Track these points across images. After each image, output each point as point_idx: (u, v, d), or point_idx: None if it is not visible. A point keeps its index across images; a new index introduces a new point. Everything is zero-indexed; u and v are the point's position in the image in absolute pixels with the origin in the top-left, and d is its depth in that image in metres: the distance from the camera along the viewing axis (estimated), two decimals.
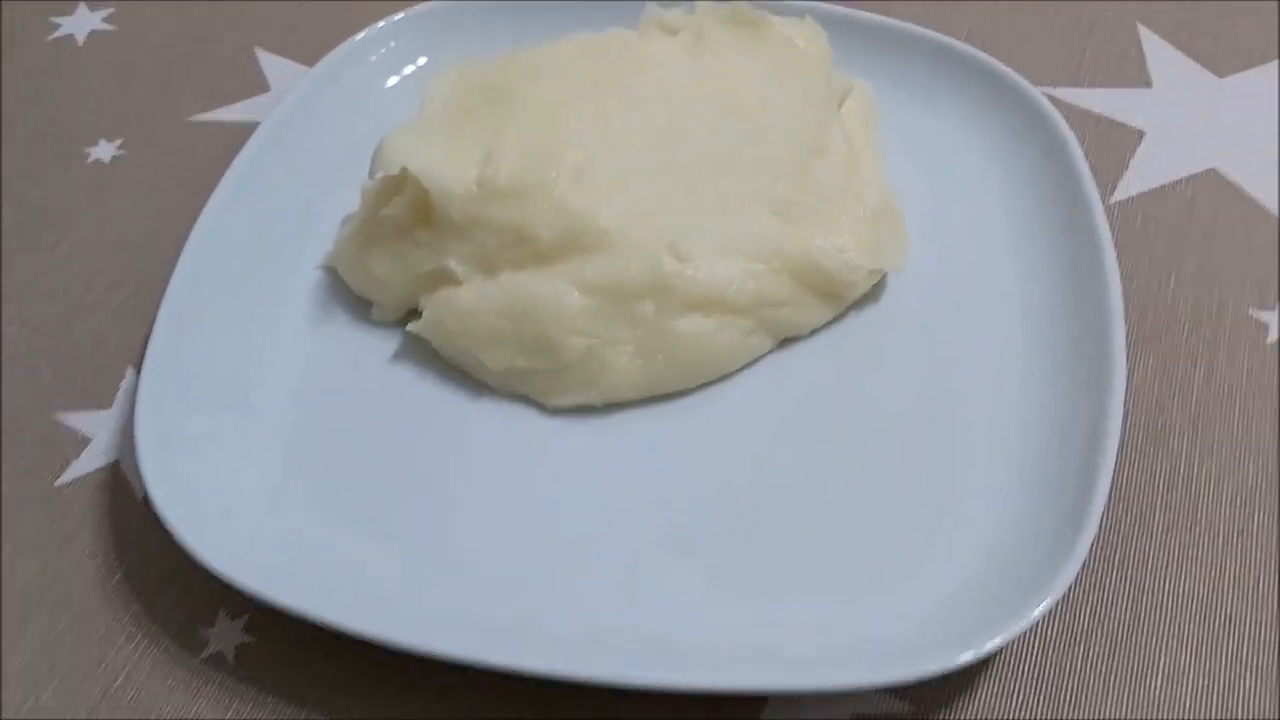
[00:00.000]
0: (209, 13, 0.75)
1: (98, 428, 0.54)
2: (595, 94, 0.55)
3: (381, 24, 0.64)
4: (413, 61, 0.65)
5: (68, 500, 0.52)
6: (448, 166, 0.52)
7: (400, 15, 0.65)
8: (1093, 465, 0.46)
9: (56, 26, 0.75)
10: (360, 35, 0.64)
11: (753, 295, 0.52)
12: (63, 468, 0.53)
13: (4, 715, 0.46)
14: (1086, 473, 0.46)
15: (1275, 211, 0.59)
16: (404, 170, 0.52)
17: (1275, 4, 0.69)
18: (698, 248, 0.52)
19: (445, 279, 0.53)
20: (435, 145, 0.53)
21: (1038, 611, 0.42)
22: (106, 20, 0.75)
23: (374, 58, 0.64)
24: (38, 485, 0.53)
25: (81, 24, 0.75)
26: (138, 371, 0.56)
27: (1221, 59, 0.67)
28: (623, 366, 0.51)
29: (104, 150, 0.67)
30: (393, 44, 0.64)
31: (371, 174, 0.55)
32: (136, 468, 0.51)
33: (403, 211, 0.53)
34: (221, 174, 0.59)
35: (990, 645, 0.42)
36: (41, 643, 0.48)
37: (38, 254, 0.62)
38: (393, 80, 0.64)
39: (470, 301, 0.52)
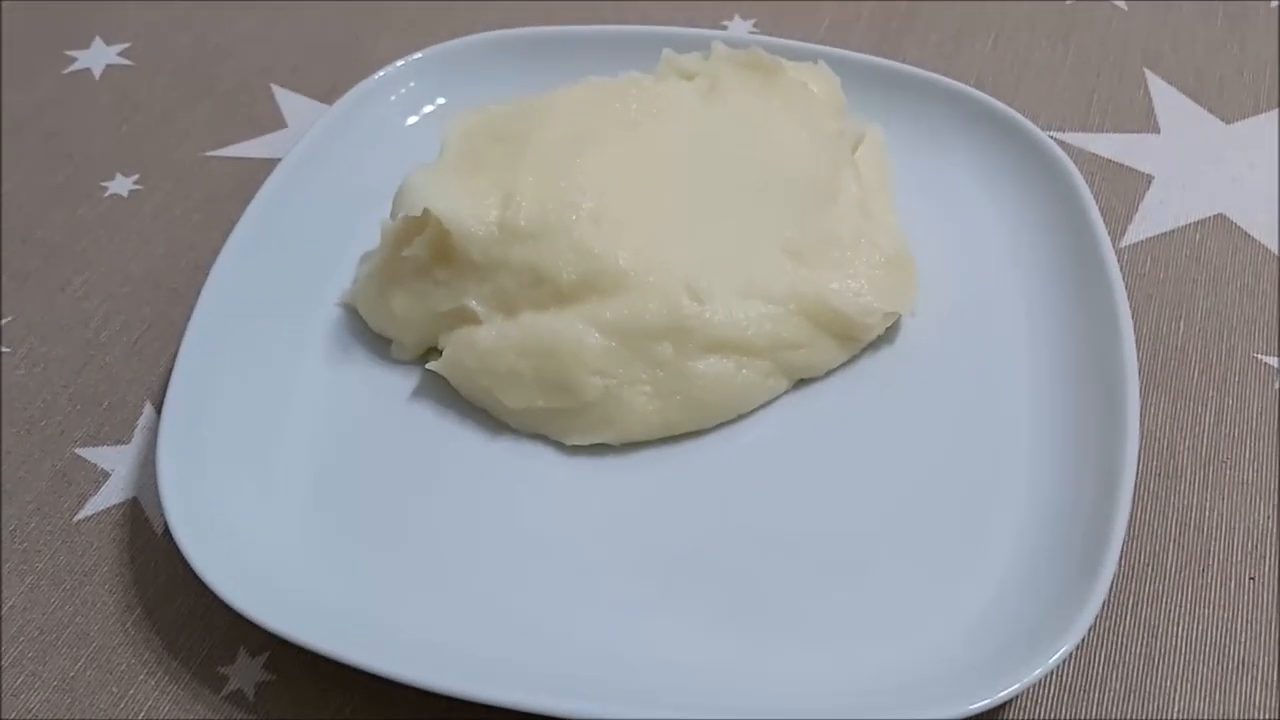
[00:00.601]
0: (225, 48, 0.75)
1: (117, 463, 0.55)
2: (613, 137, 0.56)
3: (401, 63, 0.65)
4: (431, 101, 0.65)
5: (87, 535, 0.52)
6: (468, 208, 0.53)
7: (419, 55, 0.65)
8: (1107, 512, 0.46)
9: (72, 60, 0.75)
10: (380, 74, 0.65)
11: (770, 337, 0.52)
12: (81, 502, 0.53)
13: None
14: (1101, 519, 0.46)
15: None
16: (426, 211, 0.52)
17: None
18: (716, 290, 0.52)
19: (465, 318, 0.53)
20: (456, 186, 0.54)
21: (1052, 660, 0.43)
22: (122, 55, 0.75)
23: (393, 97, 0.65)
24: (57, 520, 0.53)
25: (97, 58, 0.75)
26: (156, 407, 0.56)
27: (1228, 105, 0.68)
28: (641, 407, 0.52)
29: (121, 185, 0.67)
30: (412, 84, 0.65)
31: (393, 214, 0.55)
32: (156, 503, 0.52)
33: (423, 251, 0.53)
34: (239, 209, 0.59)
35: (1003, 694, 0.42)
36: (61, 679, 0.48)
37: (55, 288, 0.62)
38: (411, 119, 0.65)
39: (490, 341, 0.52)
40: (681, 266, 0.53)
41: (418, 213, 0.53)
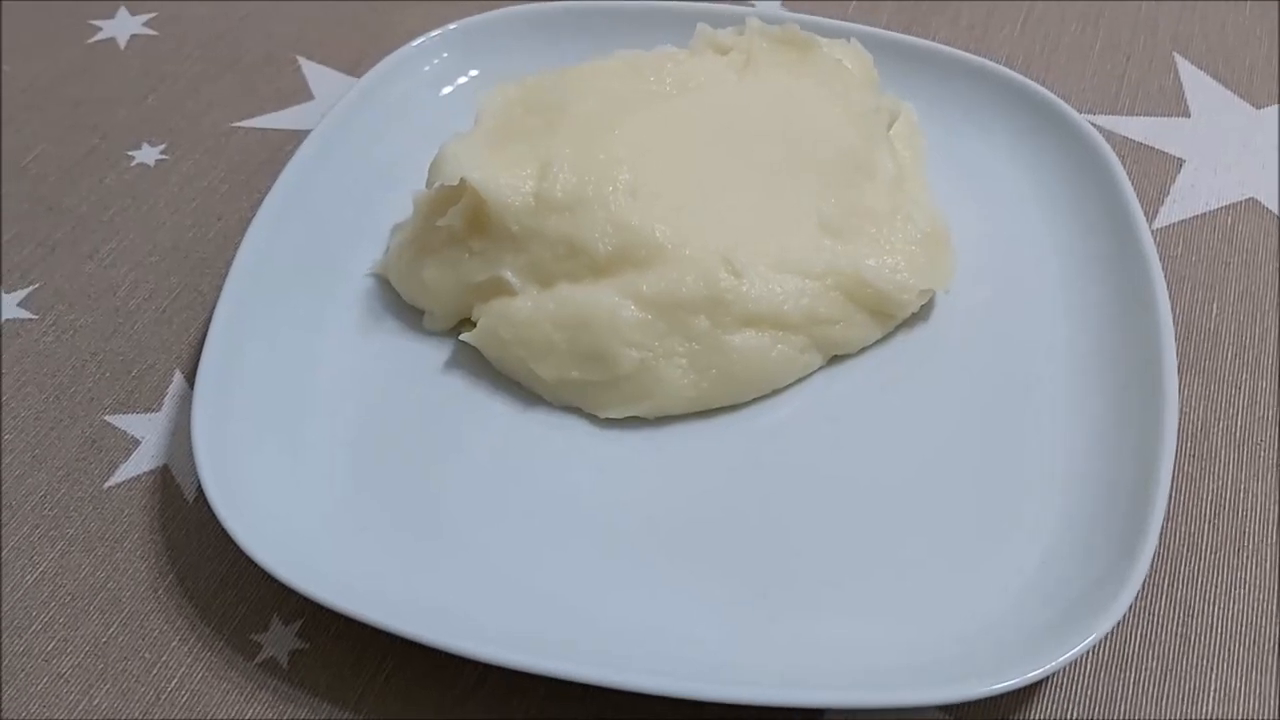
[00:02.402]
0: (251, 19, 0.75)
1: (146, 430, 0.55)
2: (649, 110, 0.56)
3: (435, 34, 0.65)
4: (465, 73, 0.65)
5: (117, 502, 0.52)
6: (505, 178, 0.53)
7: (453, 26, 0.65)
8: (1146, 494, 0.46)
9: (97, 30, 0.75)
10: (414, 44, 0.65)
11: (806, 312, 0.52)
12: (111, 469, 0.53)
13: (59, 715, 0.46)
14: (1140, 501, 0.46)
15: None
16: (462, 181, 0.52)
17: None
18: (752, 264, 0.52)
19: (499, 289, 0.53)
20: (492, 157, 0.54)
21: (1085, 644, 0.42)
22: (147, 24, 0.75)
23: (426, 68, 0.64)
24: (87, 486, 0.53)
25: (122, 27, 0.75)
26: (185, 375, 0.56)
27: (1258, 90, 0.68)
28: (675, 380, 0.52)
29: (147, 154, 0.67)
30: (445, 55, 0.65)
31: (429, 183, 0.55)
32: (187, 470, 0.52)
33: (458, 221, 0.53)
34: (266, 180, 0.59)
35: (1033, 674, 0.42)
36: (93, 644, 0.48)
37: (83, 257, 0.62)
38: (445, 90, 0.65)
39: (525, 312, 0.52)
40: (718, 240, 0.52)
41: (454, 182, 0.52)
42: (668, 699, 0.43)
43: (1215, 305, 0.57)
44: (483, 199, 0.52)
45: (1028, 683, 0.42)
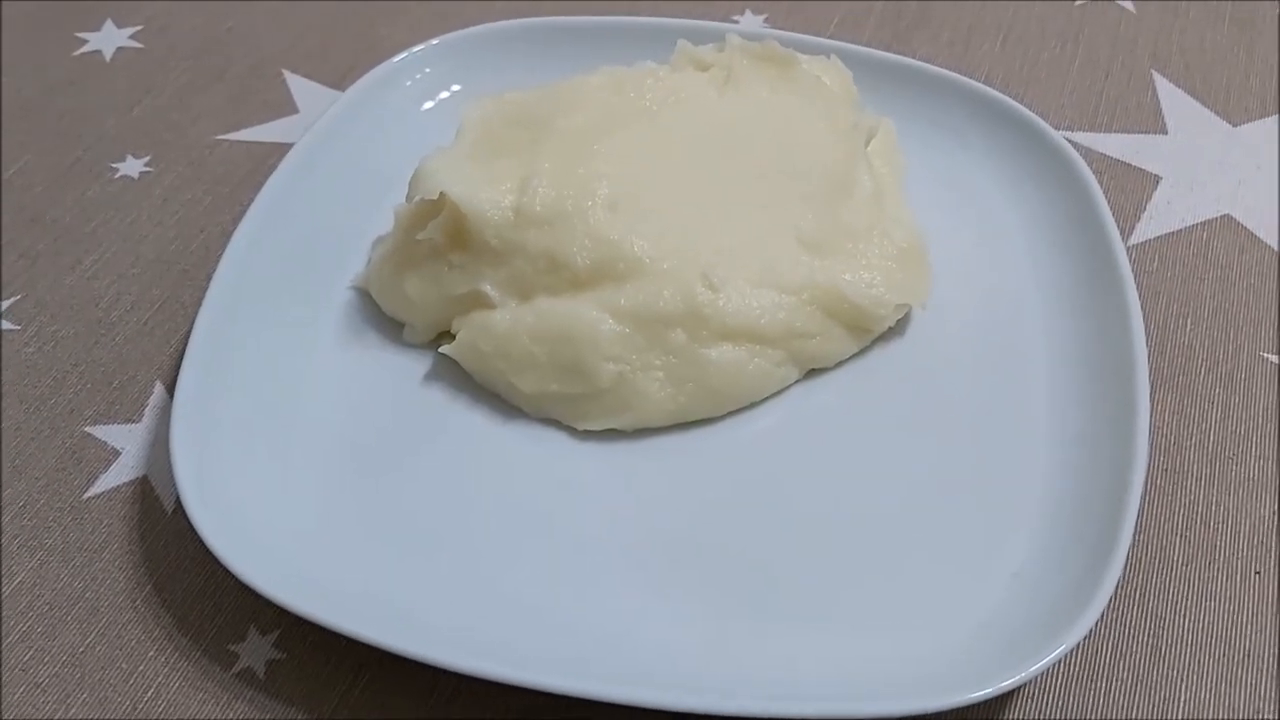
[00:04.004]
0: (236, 33, 0.75)
1: (126, 441, 0.55)
2: (629, 125, 0.56)
3: (418, 48, 0.65)
4: (447, 88, 0.65)
5: (96, 512, 0.52)
6: (485, 192, 0.53)
7: (436, 41, 0.66)
8: (1117, 507, 0.47)
9: (83, 42, 0.75)
10: (396, 59, 0.65)
11: (783, 326, 0.53)
12: (91, 480, 0.53)
13: None
14: (1111, 514, 0.47)
15: None
16: (442, 195, 0.53)
17: None
18: (730, 278, 0.53)
19: (479, 302, 0.54)
20: (473, 171, 0.54)
21: (1054, 655, 0.43)
22: (134, 38, 0.76)
23: (409, 82, 0.65)
24: (66, 497, 0.53)
25: (108, 40, 0.75)
26: (166, 386, 0.56)
27: (1234, 108, 0.68)
28: (654, 393, 0.52)
29: (131, 166, 0.67)
30: (427, 70, 0.65)
31: (409, 197, 0.55)
32: (166, 481, 0.52)
33: (438, 235, 0.54)
34: (249, 193, 0.59)
35: (1005, 684, 0.43)
36: (71, 654, 0.48)
37: (65, 268, 0.62)
38: (427, 105, 0.65)
39: (504, 325, 0.53)
40: (696, 254, 0.53)
41: (434, 196, 0.53)
42: (643, 709, 0.43)
43: (1189, 320, 0.58)
44: (463, 213, 0.53)
45: (998, 693, 0.43)
